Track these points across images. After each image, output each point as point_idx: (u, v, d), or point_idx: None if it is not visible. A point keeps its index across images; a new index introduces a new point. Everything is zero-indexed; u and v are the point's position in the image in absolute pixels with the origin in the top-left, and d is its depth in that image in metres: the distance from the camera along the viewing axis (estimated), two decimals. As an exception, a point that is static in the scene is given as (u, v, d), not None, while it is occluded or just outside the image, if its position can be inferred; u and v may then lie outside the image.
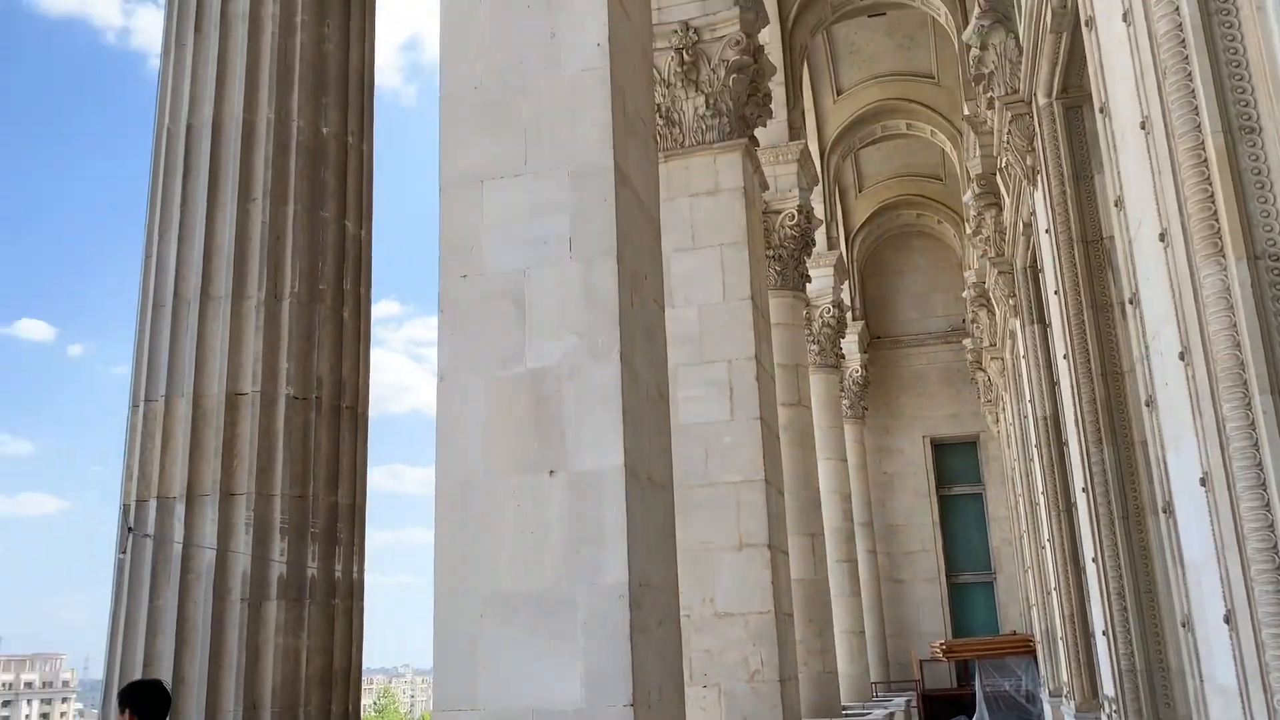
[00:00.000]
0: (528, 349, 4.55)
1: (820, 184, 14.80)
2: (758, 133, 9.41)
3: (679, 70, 8.81)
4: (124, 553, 4.50)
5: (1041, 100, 6.50)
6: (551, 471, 4.18)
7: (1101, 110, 4.48)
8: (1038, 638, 14.33)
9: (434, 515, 4.38)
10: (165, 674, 4.30)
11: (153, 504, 4.58)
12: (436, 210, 4.96)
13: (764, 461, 7.73)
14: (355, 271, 5.48)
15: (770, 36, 11.84)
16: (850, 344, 18.60)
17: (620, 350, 4.37)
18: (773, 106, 9.75)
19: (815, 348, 15.87)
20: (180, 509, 4.54)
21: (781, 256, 11.81)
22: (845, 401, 18.28)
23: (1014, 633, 17.54)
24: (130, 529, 4.51)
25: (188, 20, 5.41)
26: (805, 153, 12.18)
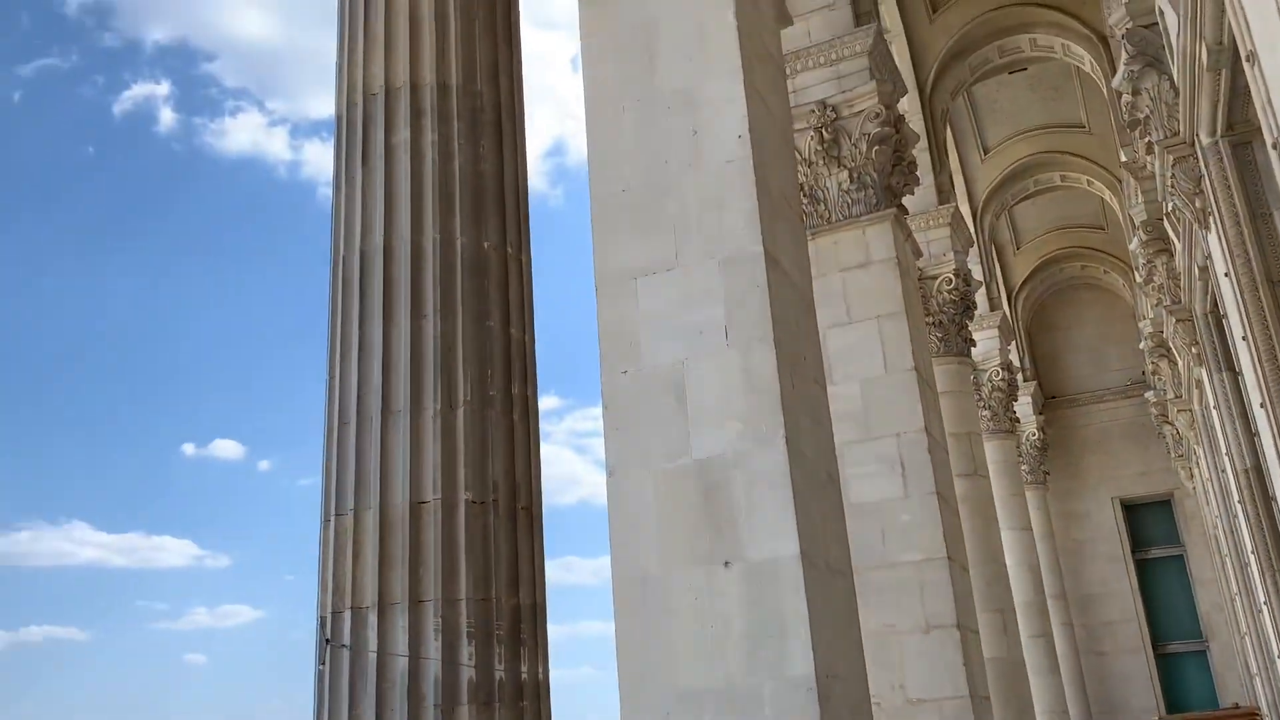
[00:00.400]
0: (692, 440, 4.59)
1: (975, 245, 14.48)
2: (906, 200, 9.33)
3: (819, 148, 8.86)
4: (323, 664, 4.70)
5: (1205, 140, 6.23)
6: (726, 563, 4.16)
7: (1275, 146, 4.26)
8: (1264, 709, 13.14)
9: (613, 612, 4.41)
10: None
11: (347, 615, 4.78)
12: (588, 304, 5.11)
13: (944, 537, 7.47)
14: (522, 375, 5.66)
15: (910, 104, 11.79)
16: (1024, 406, 17.90)
17: (785, 434, 4.35)
18: (919, 173, 9.67)
19: (987, 413, 15.34)
20: (373, 618, 4.72)
21: (942, 322, 11.55)
22: (1024, 467, 17.54)
23: (1236, 705, 16.14)
24: (328, 640, 4.72)
25: (355, 155, 5.81)
26: (957, 215, 11.97)
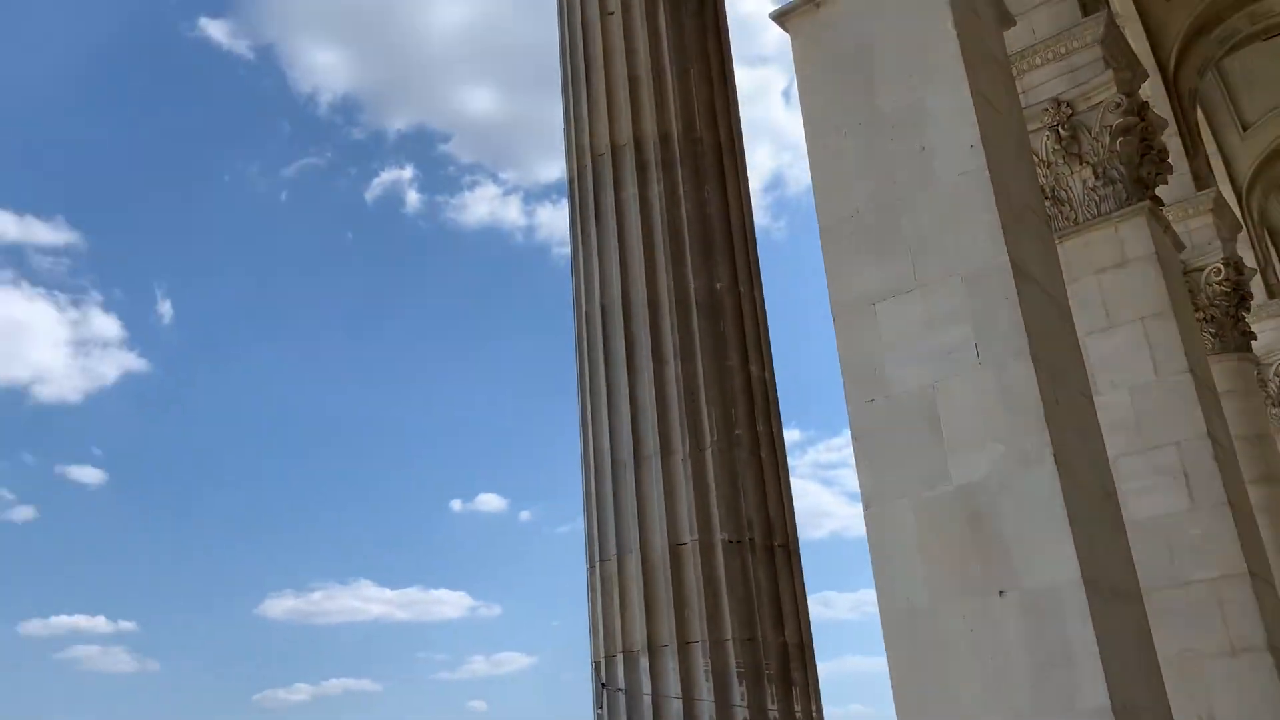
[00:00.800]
0: (950, 465, 4.42)
1: (1244, 229, 13.25)
2: (1159, 191, 8.67)
3: (1057, 147, 8.41)
4: (600, 708, 4.83)
5: None
6: (1001, 592, 3.96)
7: None
8: None
9: (884, 646, 4.29)
10: (652, 824, 4.49)
11: (619, 659, 4.89)
12: (822, 335, 5.04)
13: (1243, 550, 6.80)
14: (765, 411, 5.66)
15: (1152, 89, 11.00)
16: (1320, 400, 16.10)
17: (1053, 451, 4.12)
18: (1170, 160, 8.97)
19: (1277, 411, 13.91)
20: (644, 661, 4.81)
21: (1214, 318, 10.62)
22: (1328, 467, 15.72)
23: None
24: (604, 685, 4.84)
25: (588, 213, 6.05)
26: (1219, 200, 11.01)
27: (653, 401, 5.42)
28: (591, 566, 5.28)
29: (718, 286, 5.81)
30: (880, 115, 5.22)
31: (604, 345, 5.67)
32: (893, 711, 4.25)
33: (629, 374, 5.52)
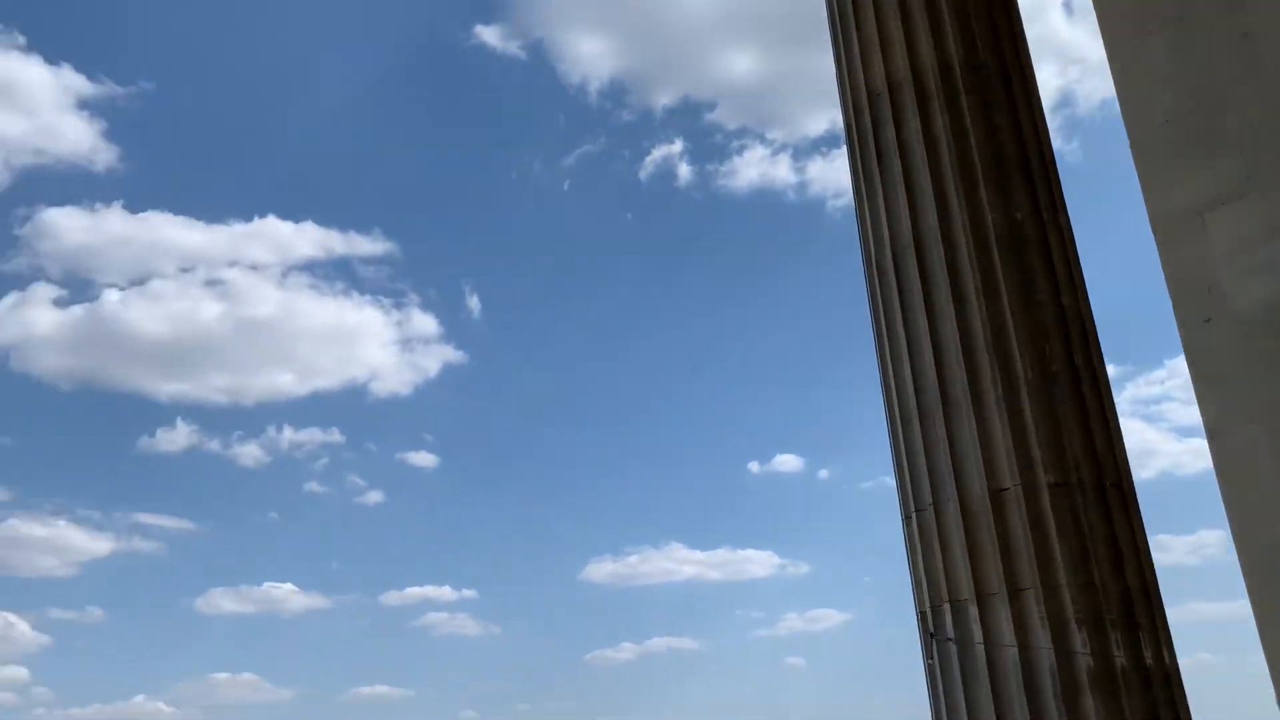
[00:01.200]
0: (1311, 383, 3.96)
1: None
2: None
3: None
4: (931, 658, 4.74)
5: None
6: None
7: None
8: None
9: (1245, 587, 3.93)
10: (997, 775, 4.36)
11: (946, 608, 4.78)
12: (1134, 258, 4.63)
13: None
14: (1083, 345, 5.30)
15: None
16: None
17: None
18: None
19: None
20: (973, 610, 4.67)
21: None
22: None
23: None
24: (932, 635, 4.75)
25: (869, 157, 5.88)
26: None
27: (957, 344, 5.22)
28: (907, 518, 5.18)
29: (1017, 216, 5.49)
30: (1190, 5, 4.71)
31: (899, 290, 5.52)
32: (1244, 660, 3.89)
33: (928, 317, 5.34)
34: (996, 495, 4.83)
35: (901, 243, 5.56)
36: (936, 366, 5.25)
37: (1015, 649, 4.50)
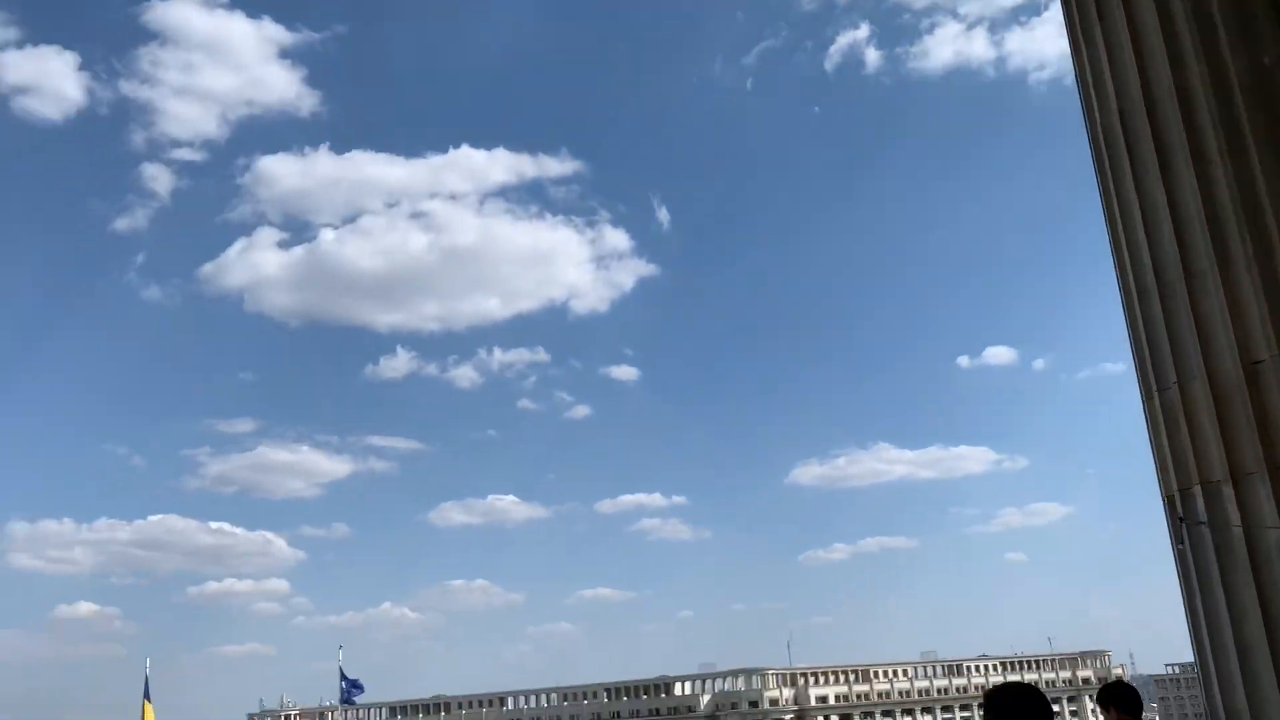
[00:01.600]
0: None
1: None
2: None
3: None
4: (1181, 543, 4.48)
5: None
6: None
7: None
8: None
9: None
10: (1261, 661, 4.12)
11: (1196, 491, 4.49)
12: None
13: None
14: (1350, 200, 4.76)
15: None
16: None
17: None
18: None
19: None
20: (1227, 491, 4.37)
21: None
22: None
23: None
24: (1181, 519, 4.48)
25: (1089, 14, 5.43)
26: None
27: (1198, 208, 4.81)
28: (1148, 397, 4.87)
29: (1265, 62, 4.95)
30: None
31: (1129, 154, 5.11)
32: None
33: (1164, 181, 4.93)
34: (1250, 368, 4.47)
35: (1129, 101, 5.12)
36: (1176, 235, 4.85)
37: (1278, 530, 4.19)
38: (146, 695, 31.79)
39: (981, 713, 3.91)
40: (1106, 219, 5.31)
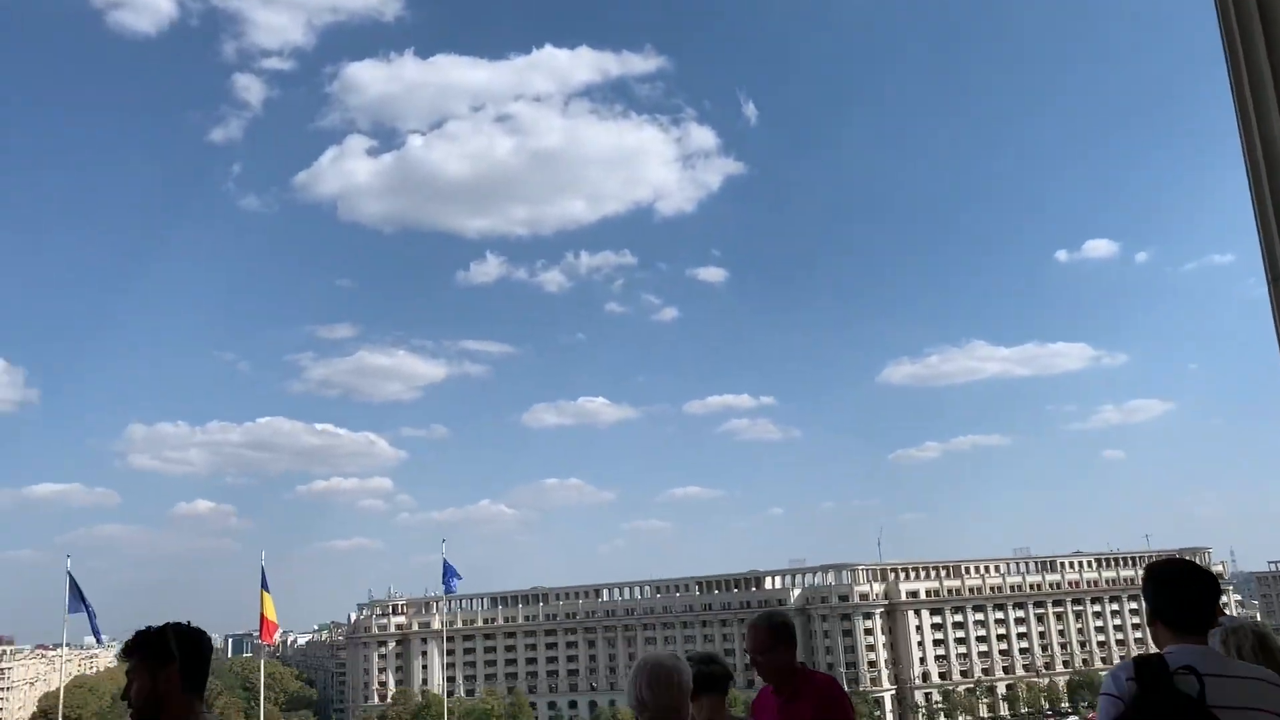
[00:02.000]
0: None
1: None
2: None
3: None
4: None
5: None
6: None
7: None
8: None
9: None
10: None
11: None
12: None
13: None
14: None
15: None
16: None
17: None
18: None
19: None
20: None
21: None
22: None
23: None
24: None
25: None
26: None
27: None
28: (1275, 279, 4.70)
29: None
30: None
31: (1261, 19, 4.83)
32: None
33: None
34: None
35: (1265, -33, 4.82)
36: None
37: None
38: (264, 586, 33.45)
39: (1143, 584, 3.89)
40: (1234, 91, 5.04)
